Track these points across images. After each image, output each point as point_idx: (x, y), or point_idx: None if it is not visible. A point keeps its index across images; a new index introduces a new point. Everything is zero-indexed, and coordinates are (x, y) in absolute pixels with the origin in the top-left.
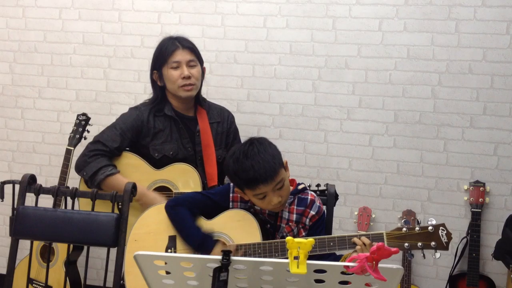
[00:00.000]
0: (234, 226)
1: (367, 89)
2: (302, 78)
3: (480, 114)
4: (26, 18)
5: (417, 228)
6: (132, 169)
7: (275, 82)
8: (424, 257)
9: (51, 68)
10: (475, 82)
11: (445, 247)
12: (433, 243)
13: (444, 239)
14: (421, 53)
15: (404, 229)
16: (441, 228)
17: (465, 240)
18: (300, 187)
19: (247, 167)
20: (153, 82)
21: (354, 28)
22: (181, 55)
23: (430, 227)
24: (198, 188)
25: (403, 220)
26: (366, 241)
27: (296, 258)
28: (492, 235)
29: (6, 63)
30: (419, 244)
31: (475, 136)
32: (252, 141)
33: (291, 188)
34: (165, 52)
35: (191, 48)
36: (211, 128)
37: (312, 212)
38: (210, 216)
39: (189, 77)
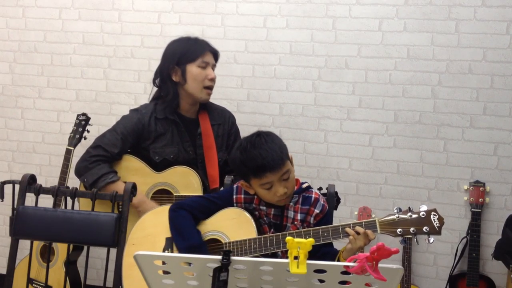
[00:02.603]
0: (229, 224)
1: (367, 89)
2: (302, 78)
3: (480, 114)
4: (26, 18)
5: (409, 214)
6: (133, 172)
7: (275, 82)
8: (418, 243)
9: (51, 68)
10: (475, 82)
11: (438, 232)
12: (425, 227)
13: (436, 223)
14: (421, 53)
15: (397, 215)
16: (432, 213)
17: (465, 240)
18: (304, 185)
19: (255, 155)
20: (169, 78)
21: (354, 28)
22: (210, 58)
23: (421, 213)
24: (199, 191)
25: (396, 207)
26: (360, 230)
27: (296, 258)
28: (492, 235)
29: (6, 63)
30: (412, 229)
31: (475, 136)
32: (259, 133)
33: (295, 187)
34: (196, 50)
35: (216, 55)
36: (212, 130)
37: (317, 211)
38: None
39: (213, 80)
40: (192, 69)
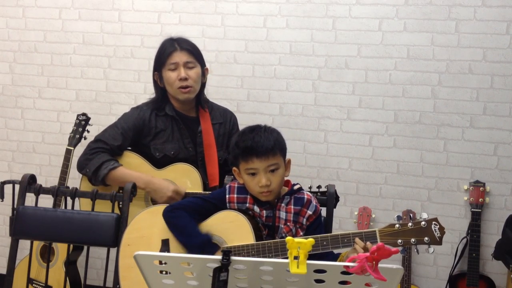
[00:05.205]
0: (227, 228)
1: (367, 89)
2: (302, 78)
3: (480, 114)
4: (26, 18)
5: (409, 224)
6: (134, 168)
7: (275, 82)
8: (418, 253)
9: (51, 68)
10: (475, 82)
11: (439, 242)
12: (426, 238)
13: (437, 233)
14: (421, 53)
15: (397, 225)
16: (433, 223)
17: (465, 240)
18: (296, 187)
19: (248, 138)
20: (155, 83)
21: (354, 28)
22: (179, 57)
23: (423, 223)
24: (200, 188)
25: (395, 216)
26: (360, 243)
27: (296, 258)
28: (492, 235)
29: (6, 63)
30: (413, 240)
31: (475, 136)
32: (264, 125)
33: (287, 189)
34: (164, 54)
35: (189, 50)
36: (213, 129)
37: (309, 212)
38: None
39: (186, 79)
40: (165, 74)
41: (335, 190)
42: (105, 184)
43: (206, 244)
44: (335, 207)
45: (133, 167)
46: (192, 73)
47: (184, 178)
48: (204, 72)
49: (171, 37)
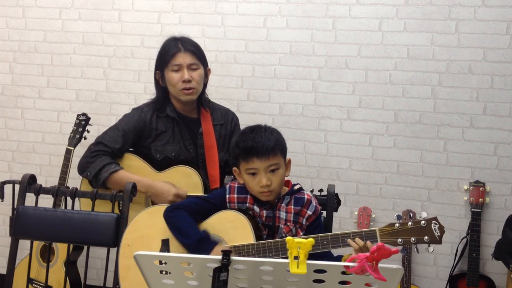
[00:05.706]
0: (227, 227)
1: (367, 89)
2: (302, 78)
3: (480, 114)
4: (26, 18)
5: (409, 223)
6: (134, 170)
7: (275, 82)
8: (418, 252)
9: (51, 68)
10: (475, 82)
11: (438, 241)
12: (426, 237)
13: (437, 232)
14: (421, 53)
15: (397, 224)
16: (433, 222)
17: (465, 240)
18: (296, 187)
19: (248, 138)
20: (156, 82)
21: (354, 28)
22: (182, 58)
23: (422, 222)
24: (200, 191)
25: (395, 215)
26: (360, 242)
27: (296, 258)
28: (492, 235)
29: (6, 63)
30: (413, 239)
31: (475, 136)
32: (264, 125)
33: (287, 189)
34: (167, 54)
35: (193, 51)
36: (214, 130)
37: (309, 212)
38: None
39: (189, 81)
40: (168, 75)
41: (337, 194)
42: (105, 187)
43: (203, 240)
44: (336, 211)
45: (133, 169)
46: (196, 74)
47: (184, 181)
48: (206, 72)
49: (175, 36)
